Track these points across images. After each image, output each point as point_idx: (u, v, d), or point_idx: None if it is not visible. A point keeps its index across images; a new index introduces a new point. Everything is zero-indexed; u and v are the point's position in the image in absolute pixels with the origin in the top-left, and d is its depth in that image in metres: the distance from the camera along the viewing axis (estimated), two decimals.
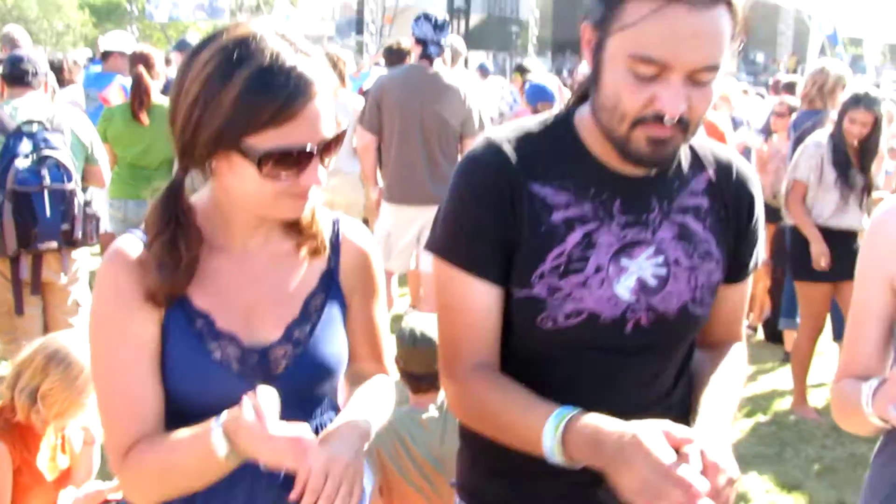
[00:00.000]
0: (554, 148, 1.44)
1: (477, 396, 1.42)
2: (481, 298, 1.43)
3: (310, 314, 1.45)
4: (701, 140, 1.53)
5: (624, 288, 1.42)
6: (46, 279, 4.06)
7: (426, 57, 4.88)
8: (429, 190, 4.76)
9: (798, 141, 5.10)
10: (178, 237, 1.34)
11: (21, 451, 2.50)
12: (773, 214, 5.11)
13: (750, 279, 1.60)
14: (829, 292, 4.71)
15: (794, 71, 18.36)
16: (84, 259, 4.29)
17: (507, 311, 1.45)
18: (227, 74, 1.25)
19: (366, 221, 5.97)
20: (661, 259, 1.43)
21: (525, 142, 1.45)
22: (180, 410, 1.36)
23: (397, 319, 4.55)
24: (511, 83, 9.06)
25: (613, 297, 1.41)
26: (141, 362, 1.34)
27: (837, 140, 4.56)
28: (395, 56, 6.10)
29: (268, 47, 1.26)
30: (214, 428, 1.25)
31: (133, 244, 1.37)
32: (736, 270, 1.55)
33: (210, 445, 1.25)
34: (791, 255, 4.88)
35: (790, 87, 7.51)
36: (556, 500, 1.47)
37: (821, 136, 4.68)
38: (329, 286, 1.48)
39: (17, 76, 4.09)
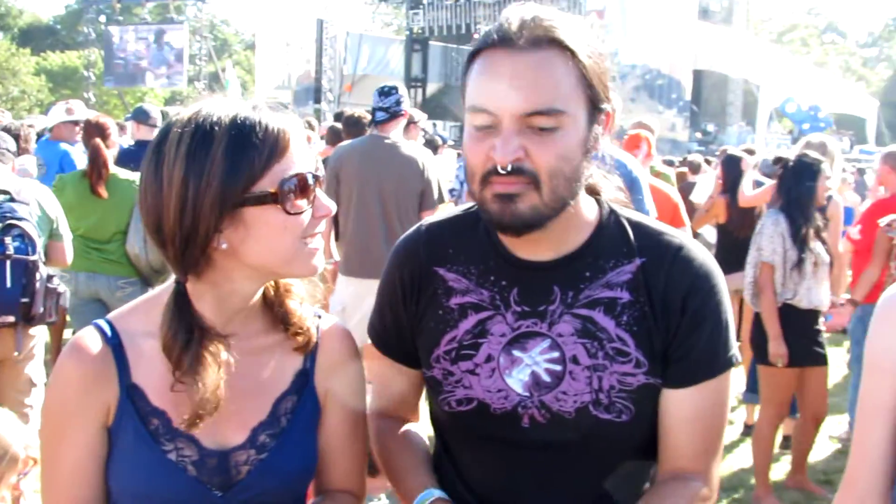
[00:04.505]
0: (466, 233, 1.45)
1: (380, 441, 1.53)
2: (387, 371, 1.54)
3: (278, 417, 1.36)
4: (645, 223, 1.41)
5: (517, 381, 1.36)
6: (0, 355, 3.89)
7: (374, 123, 4.96)
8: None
9: None
10: (192, 348, 1.26)
11: None
12: None
13: (711, 388, 1.36)
14: (795, 378, 4.49)
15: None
16: (41, 336, 4.13)
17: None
18: (208, 140, 1.22)
19: None
20: (556, 354, 1.35)
21: (446, 226, 1.49)
22: None
23: None
24: None
25: (505, 389, 1.37)
26: (81, 465, 1.30)
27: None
28: (354, 127, 6.09)
29: (231, 110, 1.25)
30: None
31: (93, 340, 1.31)
32: (678, 373, 1.35)
33: None
34: (756, 338, 4.65)
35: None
36: None
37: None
38: (302, 388, 1.39)
39: None
